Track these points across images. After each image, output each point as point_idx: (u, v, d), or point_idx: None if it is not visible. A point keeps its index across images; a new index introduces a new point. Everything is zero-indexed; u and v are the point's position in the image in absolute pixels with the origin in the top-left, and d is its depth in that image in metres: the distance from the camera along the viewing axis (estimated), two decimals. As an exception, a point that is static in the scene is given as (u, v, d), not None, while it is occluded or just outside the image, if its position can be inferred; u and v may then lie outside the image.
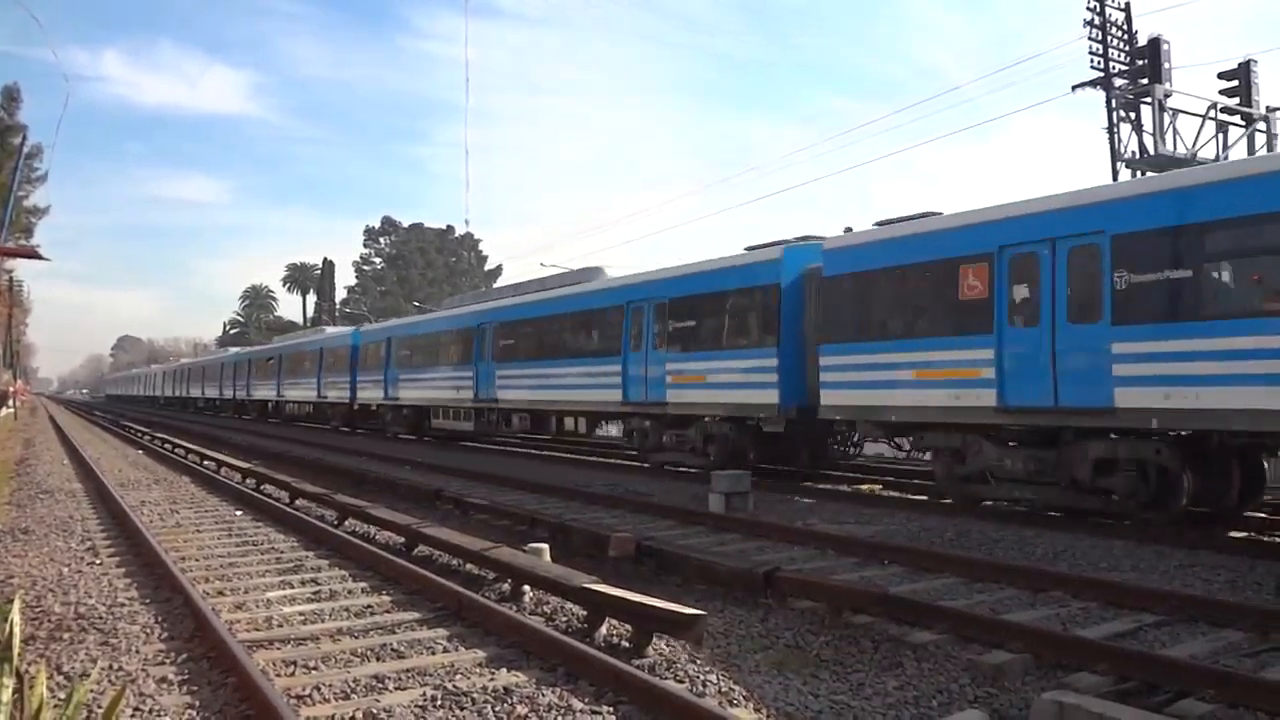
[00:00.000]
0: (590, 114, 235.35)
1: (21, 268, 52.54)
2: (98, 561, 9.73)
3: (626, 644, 6.45)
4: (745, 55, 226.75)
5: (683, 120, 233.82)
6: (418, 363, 30.11)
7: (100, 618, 7.25)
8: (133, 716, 5.11)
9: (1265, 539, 10.77)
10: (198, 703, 5.35)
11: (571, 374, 21.13)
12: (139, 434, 33.62)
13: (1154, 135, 24.29)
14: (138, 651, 6.34)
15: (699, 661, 6.09)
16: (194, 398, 69.55)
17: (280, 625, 7.09)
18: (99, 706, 4.99)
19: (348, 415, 37.56)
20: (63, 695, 5.22)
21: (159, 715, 5.14)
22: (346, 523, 12.26)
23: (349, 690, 5.52)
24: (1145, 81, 24.96)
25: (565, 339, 21.94)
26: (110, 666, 5.98)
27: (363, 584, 8.47)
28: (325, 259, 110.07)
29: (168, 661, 6.14)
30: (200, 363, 73.33)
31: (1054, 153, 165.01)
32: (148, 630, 6.90)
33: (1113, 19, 25.97)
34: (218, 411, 61.46)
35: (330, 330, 45.92)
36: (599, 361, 20.13)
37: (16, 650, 4.08)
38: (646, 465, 19.78)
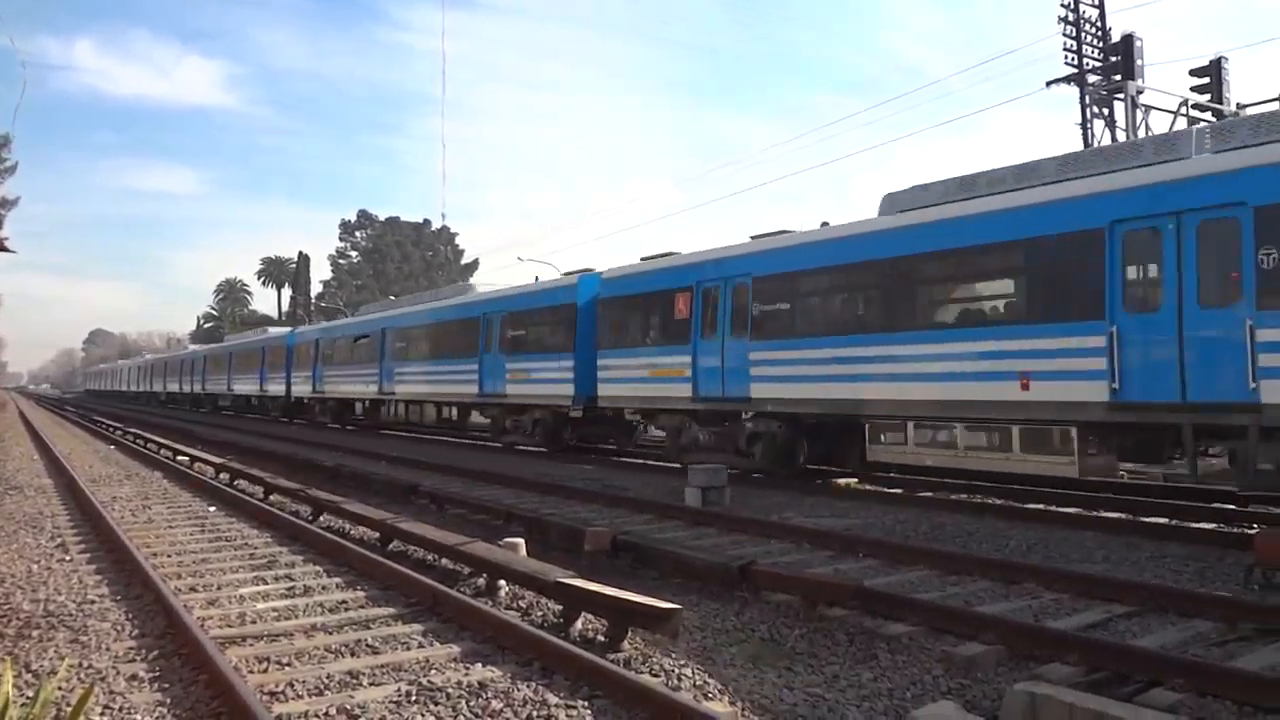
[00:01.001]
0: (583, 110, 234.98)
1: (-10, 260, 51.76)
2: (68, 558, 9.62)
3: (602, 638, 6.44)
4: (740, 52, 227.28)
5: (681, 119, 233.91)
6: (838, 326, 14.69)
7: (70, 615, 7.17)
8: (102, 715, 5.05)
9: (1234, 530, 10.91)
10: (169, 700, 5.30)
11: None
12: (112, 429, 33.26)
13: (1127, 130, 24.60)
14: (108, 649, 6.27)
15: (675, 655, 6.09)
16: (213, 394, 52.88)
17: (253, 622, 7.03)
18: (67, 705, 4.93)
19: (556, 425, 22.14)
20: (30, 693, 5.15)
21: (129, 713, 5.08)
22: (321, 518, 12.17)
23: (323, 686, 5.48)
24: (1118, 78, 25.28)
25: None
26: (79, 664, 5.90)
27: (337, 580, 8.42)
28: (300, 253, 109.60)
29: (139, 659, 6.08)
30: (225, 348, 52.21)
31: (1029, 147, 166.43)
32: (118, 627, 6.82)
33: (1087, 16, 26.24)
34: (241, 413, 48.32)
35: (486, 288, 26.79)
36: None
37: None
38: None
